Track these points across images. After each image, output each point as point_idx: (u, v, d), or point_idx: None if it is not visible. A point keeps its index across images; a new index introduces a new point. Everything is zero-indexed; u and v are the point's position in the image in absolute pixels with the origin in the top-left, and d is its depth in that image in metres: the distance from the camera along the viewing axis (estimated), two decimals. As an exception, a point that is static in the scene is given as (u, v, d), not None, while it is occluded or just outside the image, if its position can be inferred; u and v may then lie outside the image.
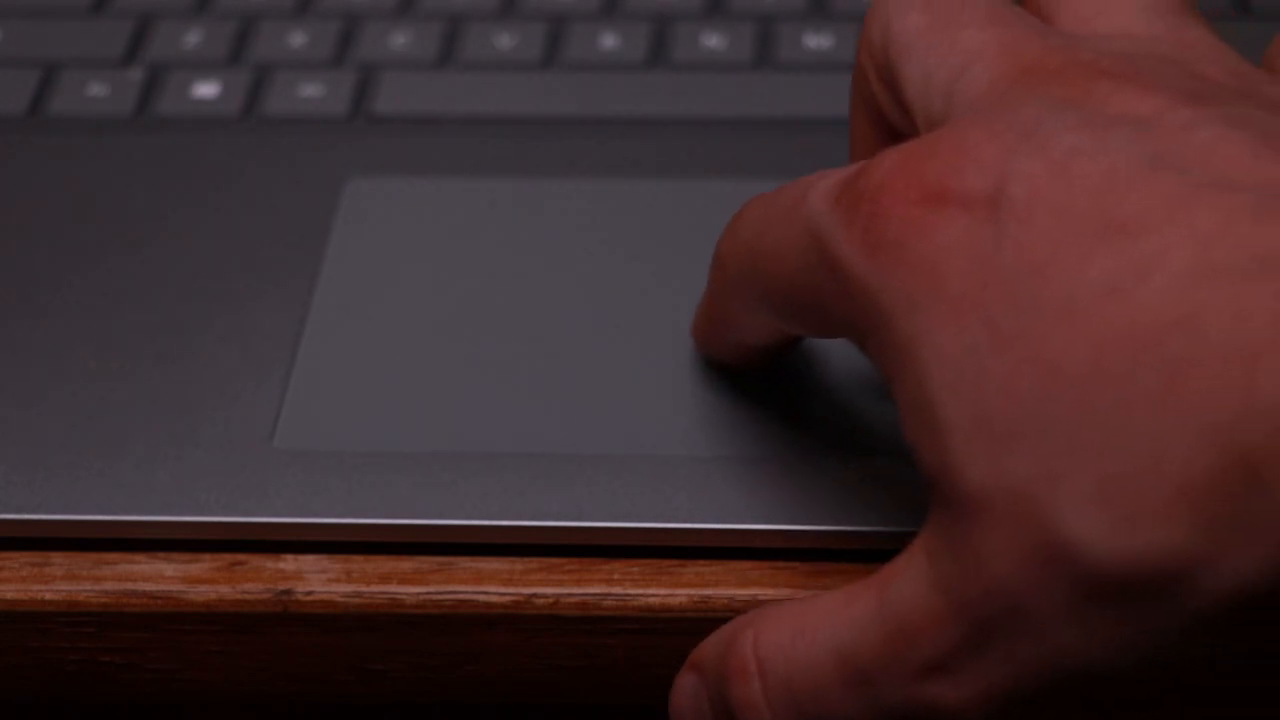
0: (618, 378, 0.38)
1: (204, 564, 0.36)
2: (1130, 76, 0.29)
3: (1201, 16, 0.32)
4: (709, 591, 0.35)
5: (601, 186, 0.42)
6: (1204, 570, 0.25)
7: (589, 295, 0.40)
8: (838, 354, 0.38)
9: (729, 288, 0.34)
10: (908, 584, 0.28)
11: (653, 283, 0.40)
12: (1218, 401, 0.25)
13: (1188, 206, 0.26)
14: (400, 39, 0.47)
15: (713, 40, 0.47)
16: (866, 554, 0.35)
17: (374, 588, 0.35)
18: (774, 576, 0.35)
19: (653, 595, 0.35)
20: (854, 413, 0.37)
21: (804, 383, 0.38)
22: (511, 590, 0.35)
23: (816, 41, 0.46)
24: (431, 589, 0.35)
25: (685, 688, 0.32)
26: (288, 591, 0.35)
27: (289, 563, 0.36)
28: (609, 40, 0.47)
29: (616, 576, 0.35)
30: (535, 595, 0.35)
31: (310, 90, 0.46)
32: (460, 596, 0.35)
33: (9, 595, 0.36)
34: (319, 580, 0.35)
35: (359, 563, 0.36)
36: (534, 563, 0.36)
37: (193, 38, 0.47)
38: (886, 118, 0.34)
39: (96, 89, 0.46)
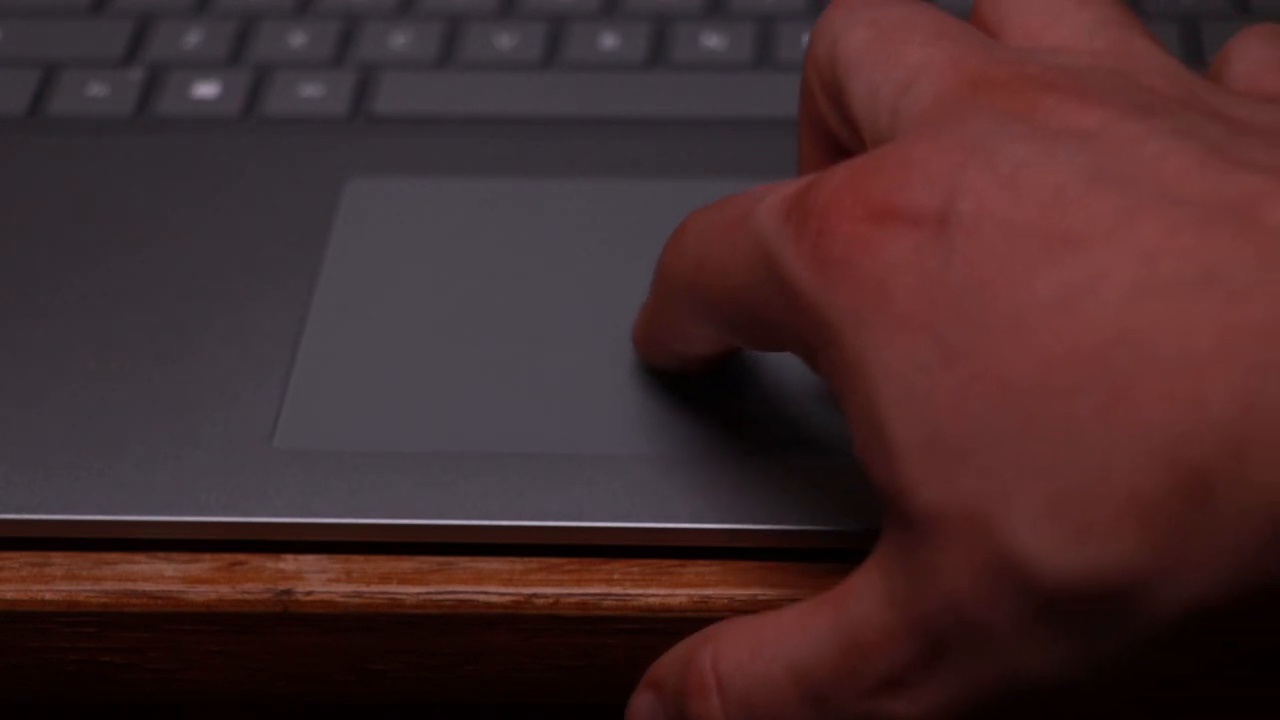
0: (618, 378, 0.38)
1: (204, 564, 0.36)
2: (1076, 90, 0.29)
3: (1146, 30, 0.32)
4: (709, 591, 0.35)
5: (601, 186, 0.42)
6: (1157, 584, 0.25)
7: (589, 295, 0.40)
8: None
9: (673, 300, 0.34)
10: (863, 600, 0.28)
11: (650, 282, 0.40)
12: (1166, 416, 0.25)
13: (1133, 220, 0.26)
14: (400, 39, 0.47)
15: (713, 40, 0.47)
16: (867, 554, 0.35)
17: (374, 588, 0.35)
18: (774, 576, 0.35)
19: (653, 595, 0.35)
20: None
21: (805, 383, 0.38)
22: (511, 590, 0.35)
23: (816, 41, 0.46)
24: (431, 589, 0.35)
25: (642, 706, 0.32)
26: (288, 591, 0.35)
27: (289, 563, 0.36)
28: (609, 40, 0.47)
29: (616, 576, 0.35)
30: (535, 595, 0.35)
31: (310, 90, 0.46)
32: (460, 596, 0.35)
33: (9, 595, 0.36)
34: (319, 580, 0.35)
35: (359, 563, 0.36)
36: (534, 563, 0.36)
37: (193, 38, 0.47)
38: (834, 134, 0.33)
39: (96, 89, 0.46)
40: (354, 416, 0.37)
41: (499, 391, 0.38)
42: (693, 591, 0.35)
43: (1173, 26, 0.46)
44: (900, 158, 0.29)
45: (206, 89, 0.46)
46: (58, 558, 0.36)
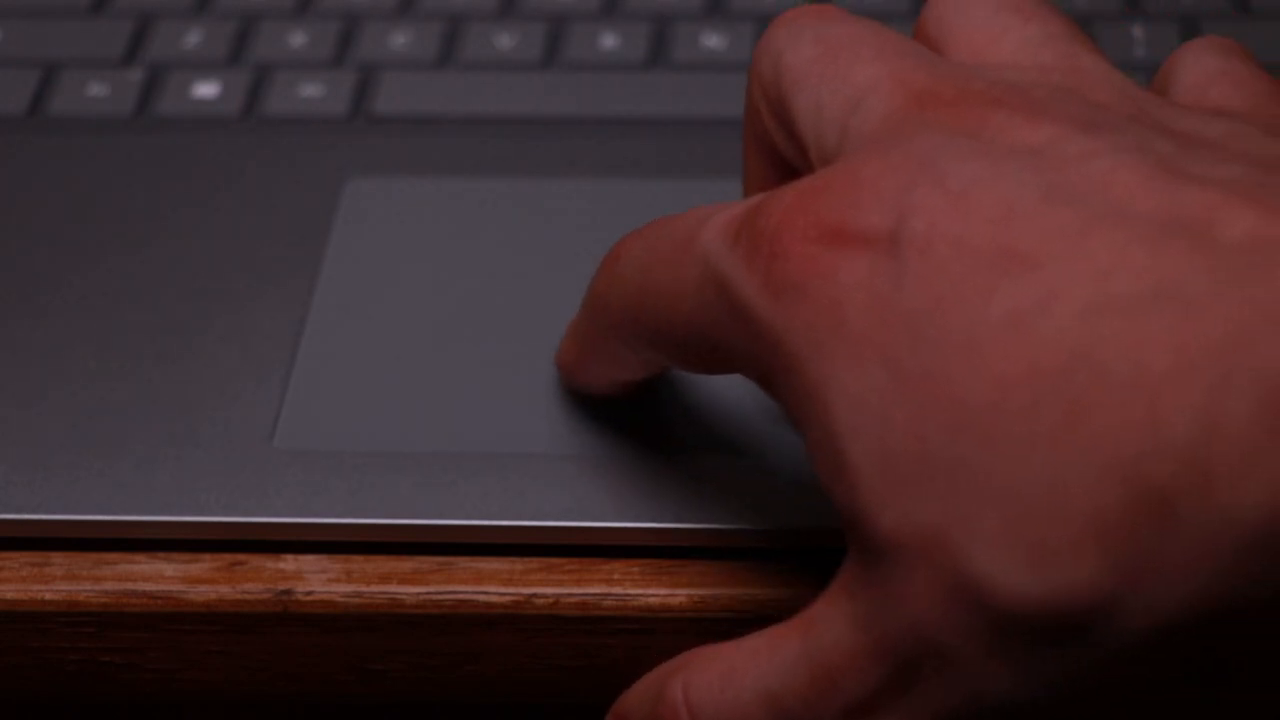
0: (618, 378, 0.38)
1: (204, 564, 0.36)
2: (1024, 106, 0.29)
3: (1093, 44, 0.32)
4: (709, 591, 0.35)
5: (601, 186, 0.43)
6: (1118, 605, 0.25)
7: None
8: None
9: (609, 326, 0.33)
10: (830, 625, 0.28)
11: (653, 283, 0.40)
12: (1122, 436, 0.25)
13: (1085, 237, 0.26)
14: (400, 39, 0.47)
15: (713, 40, 0.47)
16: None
17: (374, 588, 0.35)
18: (774, 576, 0.35)
19: (653, 595, 0.35)
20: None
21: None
22: (511, 590, 0.35)
23: (816, 41, 0.46)
24: (431, 589, 0.35)
25: None
26: (288, 591, 0.35)
27: (289, 563, 0.36)
28: (609, 40, 0.47)
29: (616, 576, 0.35)
30: (535, 595, 0.35)
31: (310, 90, 0.46)
32: (460, 596, 0.35)
33: (9, 595, 0.36)
34: (319, 580, 0.35)
35: (359, 563, 0.36)
36: (534, 563, 0.36)
37: (193, 38, 0.47)
38: (780, 152, 0.33)
39: (96, 89, 0.46)
40: (354, 416, 0.37)
41: (499, 391, 0.38)
42: (693, 591, 0.35)
43: (1173, 26, 0.46)
44: (850, 177, 0.28)
45: (206, 89, 0.46)
46: (58, 558, 0.36)
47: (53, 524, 0.36)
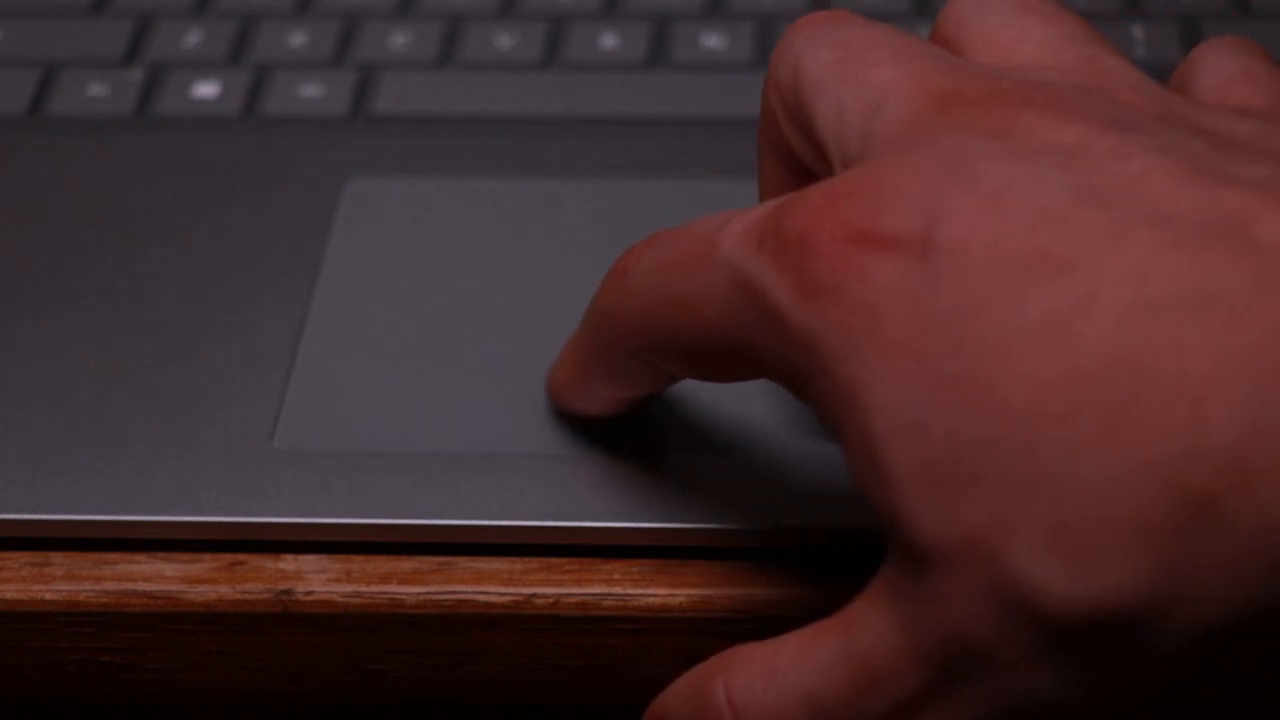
0: (618, 378, 0.38)
1: (204, 564, 0.36)
2: (1052, 105, 0.29)
3: (1114, 46, 0.32)
4: (709, 591, 0.35)
5: (601, 186, 0.42)
6: (1163, 609, 0.25)
7: (588, 295, 0.40)
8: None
9: (618, 340, 0.33)
10: (871, 626, 0.28)
11: (653, 283, 0.40)
12: (1165, 439, 0.25)
13: (1122, 240, 0.26)
14: (400, 39, 0.47)
15: (713, 40, 0.47)
16: (867, 553, 0.35)
17: (374, 588, 0.35)
18: (774, 576, 0.35)
19: (653, 595, 0.35)
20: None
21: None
22: (511, 590, 0.35)
23: (816, 41, 0.46)
24: (431, 589, 0.35)
25: None
26: (288, 591, 0.35)
27: (289, 563, 0.36)
28: (609, 40, 0.47)
29: (616, 576, 0.35)
30: (535, 595, 0.35)
31: (310, 90, 0.46)
32: (460, 596, 0.35)
33: (9, 595, 0.36)
34: (319, 580, 0.35)
35: (359, 563, 0.36)
36: (534, 563, 0.36)
37: (193, 38, 0.47)
38: (798, 158, 0.33)
39: (96, 89, 0.46)
40: (354, 416, 0.37)
41: (499, 392, 0.38)
42: (693, 591, 0.35)
43: (1173, 26, 0.46)
44: (877, 180, 0.28)
45: (206, 89, 0.46)
46: (58, 558, 0.36)
47: (53, 524, 0.36)
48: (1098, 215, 0.26)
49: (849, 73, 0.31)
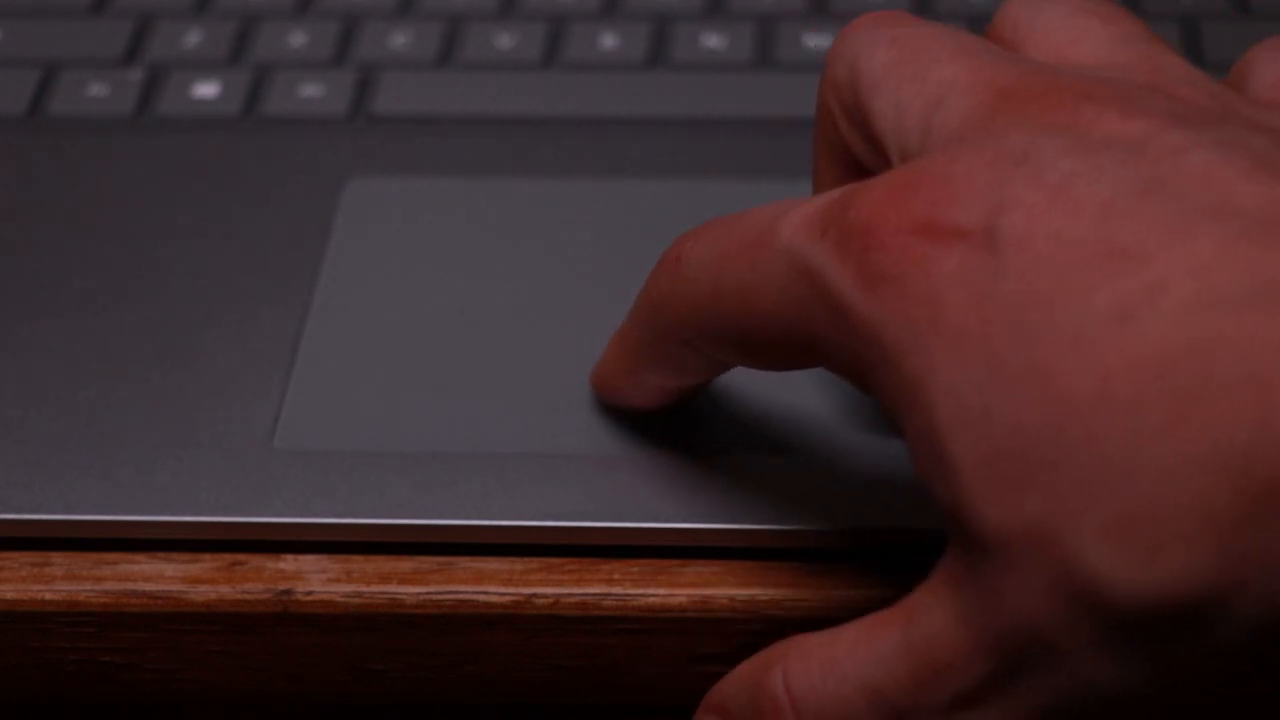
0: (618, 378, 0.38)
1: (204, 564, 0.36)
2: (1113, 100, 0.29)
3: (1170, 45, 0.32)
4: (709, 591, 0.35)
5: (601, 186, 0.42)
6: (1229, 599, 0.25)
7: (588, 295, 0.40)
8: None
9: (671, 329, 0.33)
10: (932, 617, 0.28)
11: (653, 283, 0.40)
12: (1231, 430, 0.25)
13: (1188, 233, 0.26)
14: (400, 39, 0.47)
15: (713, 40, 0.47)
16: (867, 553, 0.35)
17: (374, 588, 0.35)
18: (774, 576, 0.35)
19: (653, 595, 0.35)
20: (852, 412, 0.37)
21: (800, 383, 0.38)
22: (511, 590, 0.35)
23: (816, 41, 0.46)
24: (431, 589, 0.35)
25: None
26: (288, 591, 0.35)
27: (289, 563, 0.36)
28: (609, 40, 0.47)
29: (616, 576, 0.35)
30: (535, 595, 0.35)
31: (310, 90, 0.46)
32: (460, 596, 0.35)
33: (9, 595, 0.36)
34: (319, 580, 0.35)
35: (359, 563, 0.36)
36: (534, 563, 0.36)
37: (193, 38, 0.47)
38: (855, 158, 0.33)
39: (96, 89, 0.46)
40: (354, 416, 0.37)
41: (499, 391, 0.38)
42: (693, 591, 0.35)
43: (1173, 26, 0.46)
44: (941, 172, 0.28)
45: (206, 89, 0.46)
46: (58, 558, 0.36)
47: (53, 524, 0.36)
48: (1162, 208, 0.26)
49: (908, 70, 0.31)
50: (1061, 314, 0.26)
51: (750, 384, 0.38)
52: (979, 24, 0.47)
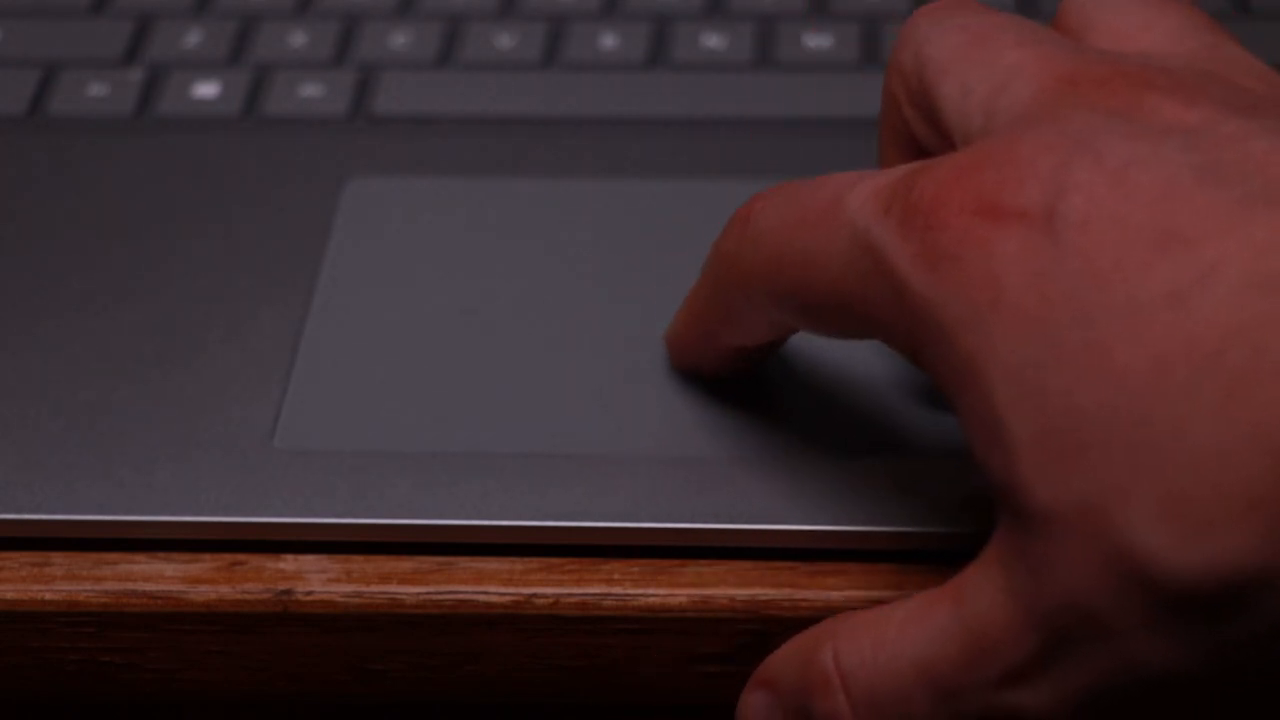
0: (617, 378, 0.38)
1: (204, 564, 0.36)
2: (1175, 88, 0.29)
3: (1232, 35, 0.32)
4: (709, 591, 0.35)
5: (601, 186, 0.42)
6: (1277, 580, 0.25)
7: (588, 295, 0.40)
8: (831, 355, 0.38)
9: (737, 288, 0.33)
10: (983, 594, 0.28)
11: (652, 282, 0.40)
12: None
13: (1245, 218, 0.27)
14: (400, 39, 0.47)
15: (713, 40, 0.47)
16: (866, 554, 0.35)
17: (374, 588, 0.35)
18: (774, 576, 0.35)
19: (653, 595, 0.35)
20: (852, 412, 0.37)
21: (801, 383, 0.38)
22: (511, 590, 0.35)
23: (816, 41, 0.46)
24: (431, 589, 0.35)
25: (757, 704, 0.32)
26: (288, 591, 0.35)
27: (289, 563, 0.36)
28: (609, 40, 0.47)
29: (616, 576, 0.35)
30: (535, 595, 0.35)
31: (310, 90, 0.46)
32: (460, 596, 0.35)
33: (9, 595, 0.36)
34: (319, 580, 0.35)
35: (359, 563, 0.36)
36: (534, 563, 0.36)
37: (193, 38, 0.47)
38: (920, 144, 0.34)
39: (96, 89, 0.46)
40: (354, 416, 0.37)
41: (499, 391, 0.38)
42: (693, 591, 0.35)
43: (1173, 26, 0.46)
44: (1004, 154, 0.29)
45: (206, 89, 0.46)
46: (58, 558, 0.36)
47: (53, 524, 0.36)
48: (1220, 194, 0.27)
49: (974, 55, 0.31)
50: (1117, 295, 0.27)
51: (746, 384, 0.38)
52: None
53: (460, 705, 0.38)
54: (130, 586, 0.36)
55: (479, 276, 0.40)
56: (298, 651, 0.36)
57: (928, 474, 0.36)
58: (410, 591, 0.35)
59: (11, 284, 0.41)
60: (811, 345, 0.38)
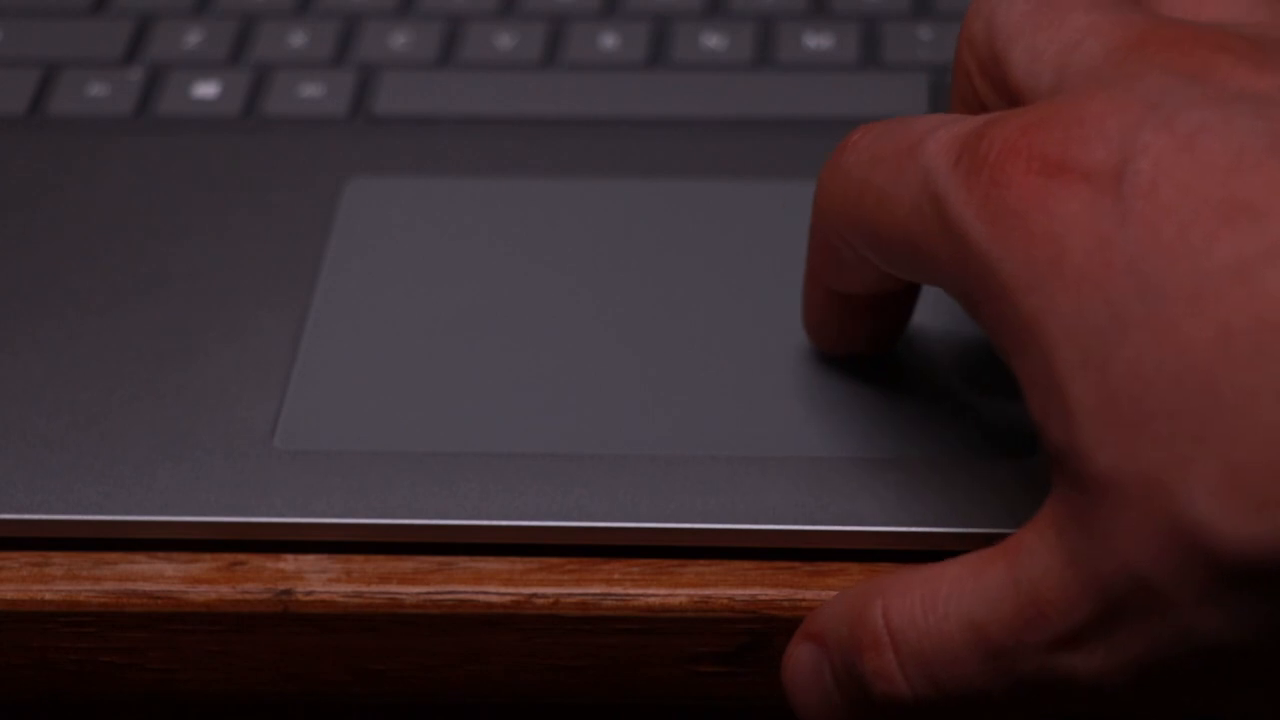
0: (616, 377, 0.38)
1: (204, 564, 0.36)
2: (1248, 53, 0.29)
3: None
4: (709, 591, 0.35)
5: (601, 186, 0.42)
6: None
7: (587, 294, 0.40)
8: (830, 356, 0.38)
9: (825, 216, 0.33)
10: (1038, 557, 0.28)
11: (650, 282, 0.40)
12: None
13: None
14: (400, 39, 0.47)
15: (713, 40, 0.47)
16: (867, 554, 0.35)
17: (374, 588, 0.35)
18: (774, 576, 0.35)
19: (653, 595, 0.35)
20: (852, 413, 0.37)
21: (801, 383, 0.38)
22: (511, 590, 0.35)
23: (816, 41, 0.46)
24: (431, 589, 0.35)
25: (804, 658, 0.32)
26: (288, 591, 0.35)
27: (289, 563, 0.36)
28: (609, 40, 0.47)
29: (616, 576, 0.35)
30: (535, 595, 0.35)
31: (310, 90, 0.46)
32: (460, 596, 0.35)
33: (9, 595, 0.36)
34: (319, 580, 0.35)
35: (359, 563, 0.36)
36: (534, 563, 0.36)
37: (193, 38, 0.47)
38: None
39: (96, 89, 0.46)
40: (354, 416, 0.37)
41: (498, 391, 0.38)
42: (693, 591, 0.35)
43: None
44: (1074, 112, 0.29)
45: (206, 89, 0.46)
46: (58, 558, 0.36)
47: (53, 524, 0.36)
48: None
49: (1044, 18, 0.31)
50: (1184, 267, 0.27)
51: (745, 382, 0.38)
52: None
53: (460, 705, 0.38)
54: (130, 586, 0.36)
55: (479, 276, 0.40)
56: (298, 651, 0.36)
57: (928, 474, 0.36)
58: (410, 591, 0.35)
59: (11, 284, 0.41)
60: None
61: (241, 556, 0.36)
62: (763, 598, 0.35)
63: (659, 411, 0.37)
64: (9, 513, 0.36)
